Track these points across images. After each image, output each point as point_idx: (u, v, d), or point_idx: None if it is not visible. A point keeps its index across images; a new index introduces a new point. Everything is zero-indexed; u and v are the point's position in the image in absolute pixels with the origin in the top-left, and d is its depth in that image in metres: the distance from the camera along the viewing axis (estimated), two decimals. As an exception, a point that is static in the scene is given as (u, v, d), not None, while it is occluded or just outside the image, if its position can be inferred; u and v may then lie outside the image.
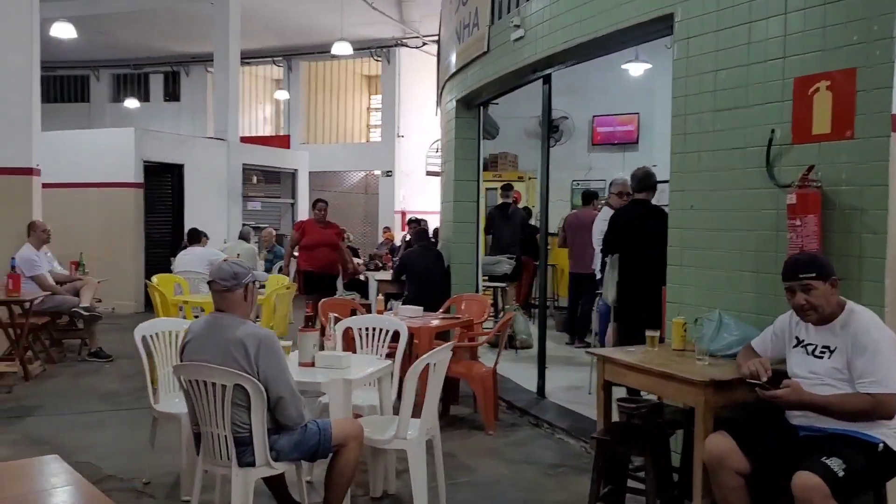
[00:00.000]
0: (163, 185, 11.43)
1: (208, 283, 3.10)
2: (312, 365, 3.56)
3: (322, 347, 3.77)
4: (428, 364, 3.41)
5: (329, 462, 3.16)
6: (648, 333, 3.68)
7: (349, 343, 4.46)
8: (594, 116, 12.23)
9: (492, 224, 8.83)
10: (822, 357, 2.86)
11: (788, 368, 2.99)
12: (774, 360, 3.09)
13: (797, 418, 2.89)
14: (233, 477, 2.93)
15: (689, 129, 3.96)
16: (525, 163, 12.74)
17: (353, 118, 21.74)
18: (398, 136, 17.23)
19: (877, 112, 3.09)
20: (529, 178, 12.59)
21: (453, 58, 7.33)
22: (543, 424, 5.17)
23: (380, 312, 5.42)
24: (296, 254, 8.04)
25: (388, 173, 17.71)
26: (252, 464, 2.95)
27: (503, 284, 8.25)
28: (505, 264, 8.14)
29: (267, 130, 19.93)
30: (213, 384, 2.87)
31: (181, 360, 3.05)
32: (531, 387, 5.95)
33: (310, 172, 16.92)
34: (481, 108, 7.21)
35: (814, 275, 2.82)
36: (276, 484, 3.38)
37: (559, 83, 11.90)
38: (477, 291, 7.10)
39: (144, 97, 18.69)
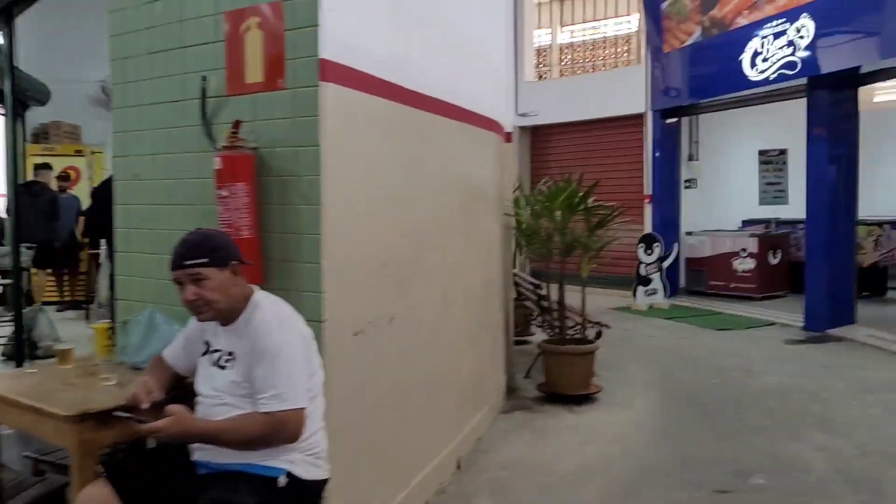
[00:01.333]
0: None
1: None
2: None
3: None
4: None
5: None
6: (57, 346, 2.74)
7: None
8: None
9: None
10: (225, 367, 2.18)
11: (194, 384, 2.28)
12: (190, 373, 2.37)
13: (198, 452, 2.18)
14: None
15: (127, 76, 3.08)
16: (90, 135, 11.02)
17: None
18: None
19: (304, 56, 2.52)
20: (93, 153, 10.89)
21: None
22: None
23: None
24: None
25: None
26: None
27: (7, 282, 6.65)
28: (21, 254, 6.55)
29: None
30: None
31: None
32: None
33: None
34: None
35: (205, 260, 2.13)
36: None
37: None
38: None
39: None
